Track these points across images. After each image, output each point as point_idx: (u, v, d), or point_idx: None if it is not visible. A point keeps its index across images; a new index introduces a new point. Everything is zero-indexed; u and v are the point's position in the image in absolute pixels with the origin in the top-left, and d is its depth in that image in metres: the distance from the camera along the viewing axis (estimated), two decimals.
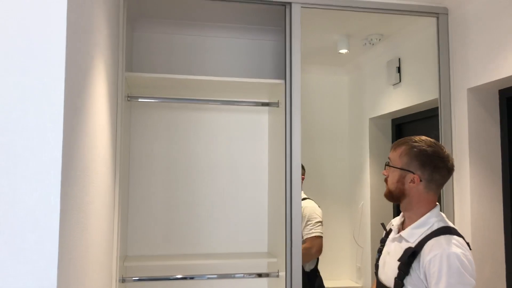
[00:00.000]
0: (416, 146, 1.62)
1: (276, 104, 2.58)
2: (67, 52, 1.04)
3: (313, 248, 2.71)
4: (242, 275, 2.61)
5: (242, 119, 2.83)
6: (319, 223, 2.76)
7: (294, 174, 2.28)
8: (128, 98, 2.39)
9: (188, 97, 2.69)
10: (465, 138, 2.29)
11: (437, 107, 2.73)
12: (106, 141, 1.82)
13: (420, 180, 1.60)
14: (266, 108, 2.82)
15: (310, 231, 2.71)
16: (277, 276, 2.48)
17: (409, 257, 1.53)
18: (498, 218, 2.26)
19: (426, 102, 2.72)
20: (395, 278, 1.56)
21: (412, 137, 1.68)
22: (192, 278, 2.56)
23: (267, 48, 2.81)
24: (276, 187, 2.61)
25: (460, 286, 1.43)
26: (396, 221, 1.76)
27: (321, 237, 2.73)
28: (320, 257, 2.86)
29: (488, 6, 2.20)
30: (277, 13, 2.45)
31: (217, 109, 2.81)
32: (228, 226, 2.76)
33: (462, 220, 2.28)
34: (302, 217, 2.72)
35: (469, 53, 2.31)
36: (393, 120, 3.42)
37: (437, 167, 1.59)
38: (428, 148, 1.61)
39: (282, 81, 2.37)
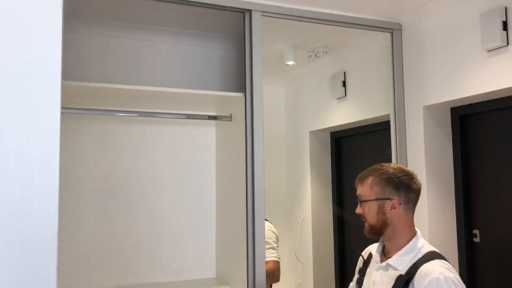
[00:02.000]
0: (383, 173, 1.62)
1: (228, 118, 2.39)
2: None
3: (277, 272, 2.55)
4: None
5: (186, 133, 2.59)
6: (277, 247, 2.61)
7: (257, 190, 2.11)
8: (62, 111, 2.04)
9: (126, 109, 2.40)
10: (421, 156, 2.31)
11: (382, 122, 2.75)
12: None
13: (400, 204, 1.59)
14: (213, 121, 2.61)
15: (271, 254, 2.55)
16: None
17: (404, 285, 1.50)
18: (452, 236, 2.30)
19: (374, 118, 2.72)
20: None
21: (372, 166, 1.68)
22: None
23: (215, 56, 2.59)
24: (226, 207, 2.42)
25: None
26: (373, 249, 1.72)
27: (278, 261, 2.58)
28: None
29: (443, 26, 2.23)
30: (229, 19, 2.27)
31: (159, 121, 2.54)
32: (171, 252, 2.50)
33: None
34: None
35: (424, 70, 2.33)
36: (332, 134, 3.40)
37: (409, 186, 1.61)
38: (394, 171, 1.62)
39: (241, 94, 2.19)
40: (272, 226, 2.67)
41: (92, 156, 2.38)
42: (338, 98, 2.98)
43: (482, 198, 2.23)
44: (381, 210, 1.60)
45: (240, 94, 2.20)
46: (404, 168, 1.65)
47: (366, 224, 1.66)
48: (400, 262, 1.56)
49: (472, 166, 2.29)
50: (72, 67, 2.32)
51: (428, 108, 2.31)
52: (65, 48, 2.24)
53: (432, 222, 2.26)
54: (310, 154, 3.31)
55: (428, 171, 2.28)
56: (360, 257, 1.80)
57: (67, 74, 2.26)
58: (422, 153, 2.30)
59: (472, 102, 2.22)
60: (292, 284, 3.47)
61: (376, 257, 1.68)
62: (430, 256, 1.54)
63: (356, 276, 1.77)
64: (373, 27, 2.44)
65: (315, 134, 3.32)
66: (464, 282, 2.24)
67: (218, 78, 2.55)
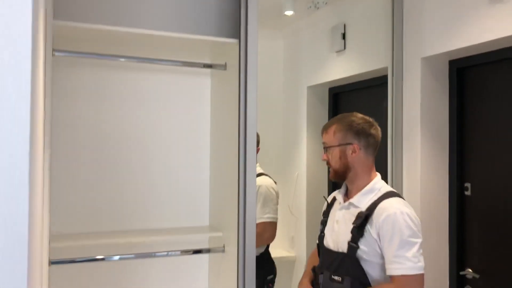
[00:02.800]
0: (345, 121, 1.78)
1: (223, 67, 2.36)
2: None
3: (265, 234, 2.57)
4: (166, 253, 2.40)
5: (181, 81, 2.56)
6: (274, 206, 2.62)
7: (249, 143, 2.09)
8: (54, 53, 2.02)
9: (120, 54, 2.35)
10: (416, 108, 2.28)
11: (380, 77, 2.71)
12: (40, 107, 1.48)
13: (360, 149, 1.74)
14: (209, 70, 2.58)
15: (264, 215, 2.56)
16: (223, 251, 2.32)
17: (363, 220, 1.64)
18: (444, 188, 2.31)
19: (372, 71, 2.68)
20: (349, 241, 1.66)
21: (336, 116, 1.87)
22: (115, 259, 2.26)
23: (212, 1, 2.52)
24: (220, 156, 2.42)
25: (412, 240, 1.58)
26: (337, 193, 1.87)
27: (275, 222, 2.60)
28: None
29: None
30: None
31: (153, 69, 2.51)
32: (164, 199, 2.52)
33: (411, 189, 2.30)
34: (257, 195, 2.56)
35: (423, 22, 2.27)
36: (330, 89, 3.36)
37: (369, 132, 1.76)
38: (354, 118, 1.78)
39: (235, 40, 2.14)
40: (272, 182, 2.68)
41: (84, 103, 2.36)
42: (337, 51, 2.94)
43: (475, 152, 2.22)
44: (343, 155, 1.75)
45: (234, 41, 2.15)
46: (366, 117, 1.80)
47: (331, 170, 1.82)
48: (361, 200, 1.71)
49: (468, 120, 2.27)
50: (61, 9, 2.27)
51: (426, 60, 2.28)
52: None
53: (424, 175, 2.26)
54: (307, 109, 3.29)
55: (423, 124, 2.27)
56: (325, 201, 1.94)
57: (58, 15, 2.22)
58: (418, 105, 2.27)
59: (471, 53, 2.18)
60: (286, 238, 3.52)
61: (339, 198, 1.83)
62: (389, 195, 1.69)
63: (321, 218, 1.89)
64: None
65: (312, 89, 3.28)
66: (454, 235, 2.28)
67: (214, 25, 2.48)
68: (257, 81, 2.08)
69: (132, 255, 2.34)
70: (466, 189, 2.25)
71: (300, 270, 3.20)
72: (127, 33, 2.10)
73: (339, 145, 1.76)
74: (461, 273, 2.24)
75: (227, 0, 2.46)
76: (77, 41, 2.21)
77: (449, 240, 2.30)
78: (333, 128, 1.78)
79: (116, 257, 2.28)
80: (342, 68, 2.90)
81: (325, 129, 1.83)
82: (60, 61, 2.29)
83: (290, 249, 3.47)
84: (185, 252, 2.44)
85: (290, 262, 3.36)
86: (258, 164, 2.75)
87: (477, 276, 2.17)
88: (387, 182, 2.37)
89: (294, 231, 3.42)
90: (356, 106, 3.13)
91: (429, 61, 2.28)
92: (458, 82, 2.30)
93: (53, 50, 2.01)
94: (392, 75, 2.39)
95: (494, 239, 2.10)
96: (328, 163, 1.82)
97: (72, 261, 2.22)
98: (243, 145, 2.09)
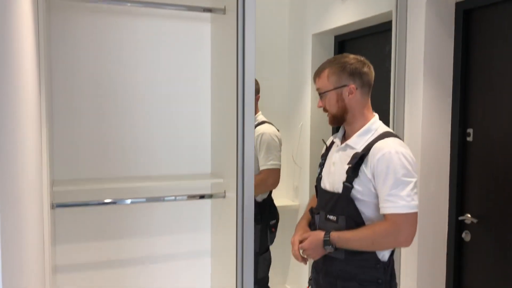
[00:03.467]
0: (337, 63, 1.72)
1: (222, 11, 2.31)
2: None
3: (269, 180, 2.59)
4: (174, 197, 2.46)
5: (181, 27, 2.53)
6: (278, 153, 2.62)
7: (247, 89, 2.08)
8: None
9: None
10: (420, 53, 2.23)
11: (385, 23, 2.63)
12: (28, 49, 1.48)
13: (356, 89, 1.70)
14: (209, 15, 2.53)
15: (268, 163, 2.57)
16: (224, 197, 2.36)
17: (358, 160, 1.63)
18: (446, 134, 2.28)
19: (376, 16, 2.60)
20: (343, 182, 1.66)
21: (326, 61, 1.78)
22: (115, 203, 2.33)
23: None
24: (221, 104, 2.41)
25: (406, 179, 1.57)
26: (336, 136, 1.85)
27: (278, 169, 2.61)
28: None
29: None
30: None
31: (151, 14, 2.47)
32: (166, 146, 2.54)
33: (412, 135, 2.28)
34: (260, 143, 2.57)
35: None
36: (336, 37, 3.29)
37: (362, 71, 1.71)
38: (346, 59, 1.72)
39: None
40: (275, 130, 2.67)
41: (83, 49, 2.35)
42: None
43: (478, 97, 2.18)
44: (339, 98, 1.71)
45: None
46: (357, 56, 1.75)
47: (328, 115, 1.78)
48: (358, 141, 1.70)
49: (472, 65, 2.21)
50: None
51: (431, 2, 2.19)
52: None
53: (426, 120, 2.23)
54: (312, 58, 3.23)
55: (426, 67, 2.21)
56: (323, 143, 1.93)
57: None
58: (422, 50, 2.21)
59: None
60: (290, 187, 3.55)
61: (337, 141, 1.82)
62: (385, 135, 1.67)
63: (320, 161, 1.88)
64: None
65: (318, 37, 3.21)
66: (454, 180, 2.27)
67: None
68: (255, 25, 2.04)
69: (143, 199, 2.41)
70: (468, 135, 2.22)
71: None
72: None
73: (334, 89, 1.71)
74: (460, 218, 2.25)
75: None
76: None
77: (449, 186, 2.30)
78: (326, 72, 1.73)
79: (128, 201, 2.35)
80: (347, 14, 2.82)
81: (317, 74, 1.77)
82: (57, 6, 2.26)
83: (294, 198, 3.51)
84: (192, 197, 2.49)
85: (294, 211, 3.40)
86: (260, 112, 2.74)
87: (475, 221, 2.18)
88: (389, 127, 2.37)
89: (298, 180, 3.45)
90: (363, 53, 3.04)
91: (435, 3, 2.20)
92: (464, 25, 2.22)
93: None
94: (396, 20, 2.31)
95: (494, 185, 2.10)
96: (324, 109, 1.79)
97: (86, 204, 2.29)
98: (241, 91, 2.08)
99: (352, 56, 1.75)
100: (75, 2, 2.28)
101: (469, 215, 2.22)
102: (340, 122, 1.78)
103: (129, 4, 2.32)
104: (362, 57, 1.76)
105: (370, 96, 1.75)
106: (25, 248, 1.25)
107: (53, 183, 2.21)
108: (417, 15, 2.23)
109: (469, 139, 2.22)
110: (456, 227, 2.28)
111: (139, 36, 2.46)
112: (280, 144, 2.67)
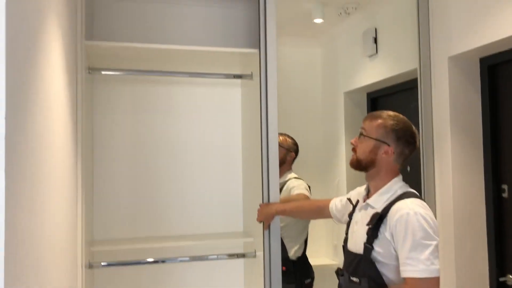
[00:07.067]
0: (393, 122, 1.72)
1: (250, 76, 2.44)
2: (7, 10, 0.86)
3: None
4: (216, 256, 2.49)
5: (213, 93, 2.67)
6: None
7: (271, 149, 2.15)
8: (90, 71, 2.20)
9: (155, 70, 2.52)
10: (445, 108, 2.22)
11: (414, 79, 2.65)
12: (65, 118, 1.64)
13: (393, 153, 1.70)
14: (239, 81, 2.67)
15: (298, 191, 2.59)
16: (254, 256, 2.37)
17: (377, 221, 1.62)
18: (479, 189, 2.21)
19: (404, 73, 2.64)
20: (364, 243, 1.64)
21: (386, 111, 1.77)
22: (163, 261, 2.42)
23: (239, 16, 2.63)
24: (251, 163, 2.48)
25: (426, 242, 1.52)
26: (360, 193, 1.85)
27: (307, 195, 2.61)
28: None
29: None
30: None
31: (186, 82, 2.64)
32: (200, 205, 2.63)
33: (444, 192, 2.23)
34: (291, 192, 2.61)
35: (449, 20, 2.21)
36: (369, 94, 3.33)
37: (409, 142, 1.71)
38: (403, 124, 1.73)
39: (256, 50, 2.22)
40: (304, 183, 2.69)
41: (123, 115, 2.53)
42: (369, 56, 2.92)
43: (511, 152, 2.12)
44: (374, 150, 1.71)
45: (254, 51, 2.22)
46: (412, 126, 1.75)
47: (353, 156, 1.78)
48: (378, 201, 1.69)
49: (502, 119, 2.17)
50: (102, 31, 2.46)
51: (454, 59, 2.21)
52: (96, 12, 2.40)
53: (457, 177, 2.18)
54: (345, 115, 3.28)
55: (453, 124, 2.20)
56: (348, 201, 1.92)
57: (98, 36, 2.42)
58: (447, 105, 2.21)
59: (502, 49, 2.08)
60: (330, 245, 3.50)
61: (361, 199, 1.80)
62: (405, 195, 1.65)
63: (347, 219, 1.88)
64: None
65: (349, 94, 3.27)
66: (492, 238, 2.17)
67: (241, 38, 2.58)
68: (277, 88, 2.14)
69: (187, 258, 2.46)
70: (503, 191, 2.14)
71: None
72: (161, 50, 2.23)
73: (375, 139, 1.71)
74: (501, 279, 2.13)
75: (250, 13, 2.55)
76: (115, 58, 2.40)
77: (488, 245, 2.19)
78: (379, 121, 1.73)
79: (173, 260, 2.43)
80: (376, 72, 2.88)
81: (370, 117, 1.78)
82: (99, 78, 2.48)
83: (334, 257, 3.44)
84: (231, 256, 2.51)
85: (332, 270, 3.29)
86: (291, 171, 2.79)
87: None
88: (420, 186, 2.33)
89: (337, 239, 3.39)
90: (394, 110, 3.06)
91: (457, 60, 2.21)
92: (490, 80, 2.20)
93: (89, 68, 2.19)
94: (420, 77, 2.34)
95: None
96: (354, 149, 1.78)
97: (124, 264, 2.37)
98: (266, 149, 2.15)
99: (411, 125, 1.75)
100: (114, 74, 2.47)
101: (510, 276, 2.09)
102: (361, 169, 1.77)
103: (175, 75, 2.50)
104: (417, 132, 1.76)
105: (401, 166, 1.75)
106: None
107: (92, 243, 2.33)
108: (441, 72, 2.25)
109: (505, 195, 2.14)
110: None
111: (175, 102, 2.62)
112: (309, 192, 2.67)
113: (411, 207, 1.58)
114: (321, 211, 2.12)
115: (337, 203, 2.02)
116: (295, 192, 2.60)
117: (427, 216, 1.56)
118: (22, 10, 1.00)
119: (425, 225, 1.54)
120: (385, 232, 1.61)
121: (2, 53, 0.85)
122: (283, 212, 2.21)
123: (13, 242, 0.91)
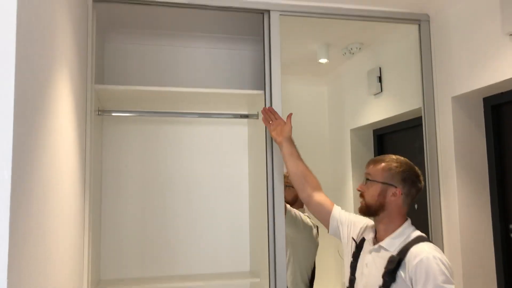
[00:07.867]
0: (397, 164, 1.76)
1: (256, 116, 2.48)
2: (17, 58, 0.91)
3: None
4: None
5: (220, 132, 2.72)
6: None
7: (276, 188, 2.16)
8: (99, 113, 2.26)
9: (163, 110, 2.58)
10: (450, 147, 2.23)
11: (420, 117, 2.68)
12: (74, 159, 1.68)
13: (401, 194, 1.73)
14: (246, 120, 2.71)
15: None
16: None
17: (396, 265, 1.62)
18: (487, 228, 2.19)
19: (409, 111, 2.66)
20: (380, 286, 1.63)
21: (387, 155, 1.83)
22: None
23: (246, 58, 2.71)
24: (258, 202, 2.49)
25: (446, 285, 1.54)
26: (367, 235, 1.81)
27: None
28: None
29: (469, 11, 2.16)
30: (255, 21, 2.36)
31: (194, 121, 2.69)
32: (207, 245, 2.62)
33: (450, 231, 2.21)
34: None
35: (452, 60, 2.25)
36: (375, 131, 3.35)
37: (414, 182, 1.75)
38: (406, 166, 1.76)
39: (261, 92, 2.27)
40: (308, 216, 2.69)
41: (132, 155, 2.58)
42: (374, 94, 2.95)
43: None
44: (382, 194, 1.73)
45: (260, 92, 2.27)
46: (415, 167, 1.78)
47: (362, 202, 1.79)
48: (392, 244, 1.69)
49: (507, 158, 2.17)
50: (113, 74, 2.55)
51: (457, 99, 2.23)
52: (106, 57, 2.49)
53: (463, 217, 2.17)
54: (351, 152, 3.29)
55: (458, 163, 2.20)
56: (353, 241, 1.88)
57: (109, 80, 2.50)
58: (452, 145, 2.22)
59: (503, 89, 2.11)
60: (338, 283, 3.44)
61: (369, 241, 1.78)
62: (419, 239, 1.67)
63: (350, 259, 1.85)
64: (399, 20, 2.41)
65: (356, 132, 3.29)
66: (502, 281, 2.13)
67: (248, 79, 2.65)
68: None
69: None
70: (511, 231, 2.12)
71: None
72: (170, 92, 2.29)
73: (382, 183, 1.74)
74: None
75: (256, 56, 2.62)
76: (126, 101, 2.46)
77: (497, 286, 2.15)
78: (383, 164, 1.77)
79: None
80: (381, 110, 2.91)
81: (374, 162, 1.81)
82: (109, 118, 2.54)
83: None
84: None
85: None
86: (306, 212, 2.78)
87: None
88: (427, 225, 2.31)
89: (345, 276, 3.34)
90: (400, 147, 3.08)
91: (461, 100, 2.24)
92: (494, 119, 2.22)
93: (99, 110, 2.25)
94: (424, 116, 2.36)
95: None
96: (362, 195, 1.80)
97: None
98: (271, 190, 2.16)
99: (413, 165, 1.79)
100: (123, 115, 2.53)
101: None
102: (370, 214, 1.78)
103: (185, 116, 2.55)
104: (420, 172, 1.79)
105: (409, 207, 1.76)
106: None
107: (99, 283, 2.33)
108: (445, 111, 2.27)
109: None
110: None
111: (184, 140, 2.66)
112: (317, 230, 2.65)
113: (429, 251, 1.59)
114: (320, 208, 2.04)
115: (342, 217, 1.96)
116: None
117: (444, 261, 1.58)
118: (33, 56, 1.05)
119: (444, 269, 1.56)
120: (403, 275, 1.61)
121: (11, 101, 0.89)
122: (289, 147, 2.11)
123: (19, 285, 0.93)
